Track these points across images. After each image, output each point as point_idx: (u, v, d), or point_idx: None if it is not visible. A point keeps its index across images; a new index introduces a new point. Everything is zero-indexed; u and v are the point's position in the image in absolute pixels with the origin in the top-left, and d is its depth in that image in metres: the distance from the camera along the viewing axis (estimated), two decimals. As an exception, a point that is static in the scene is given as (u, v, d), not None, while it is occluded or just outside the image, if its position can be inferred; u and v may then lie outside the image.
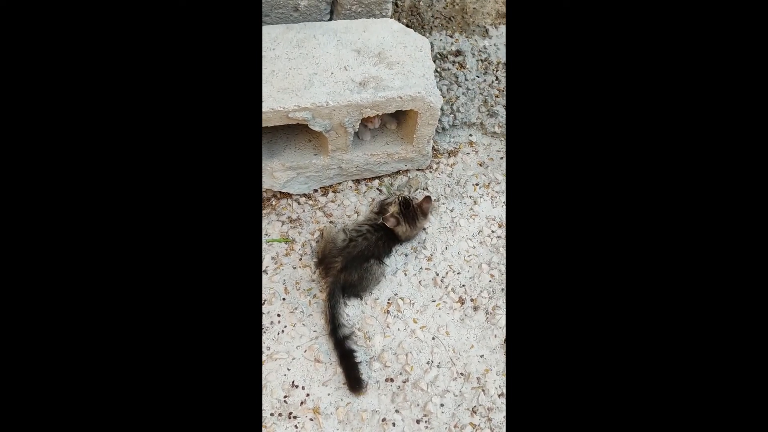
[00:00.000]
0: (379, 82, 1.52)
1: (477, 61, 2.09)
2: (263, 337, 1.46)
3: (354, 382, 1.38)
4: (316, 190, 1.76)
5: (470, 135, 1.95)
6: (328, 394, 1.39)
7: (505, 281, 1.60)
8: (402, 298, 1.56)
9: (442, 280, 1.60)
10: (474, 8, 2.21)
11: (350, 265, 1.50)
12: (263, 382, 1.39)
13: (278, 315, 1.50)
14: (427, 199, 1.62)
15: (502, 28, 2.19)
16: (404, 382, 1.42)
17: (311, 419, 1.35)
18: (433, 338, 1.49)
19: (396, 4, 2.14)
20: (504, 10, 2.23)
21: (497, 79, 2.06)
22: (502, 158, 1.89)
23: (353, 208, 1.74)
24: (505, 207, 1.76)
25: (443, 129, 1.94)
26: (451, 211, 1.75)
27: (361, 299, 1.55)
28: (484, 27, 2.19)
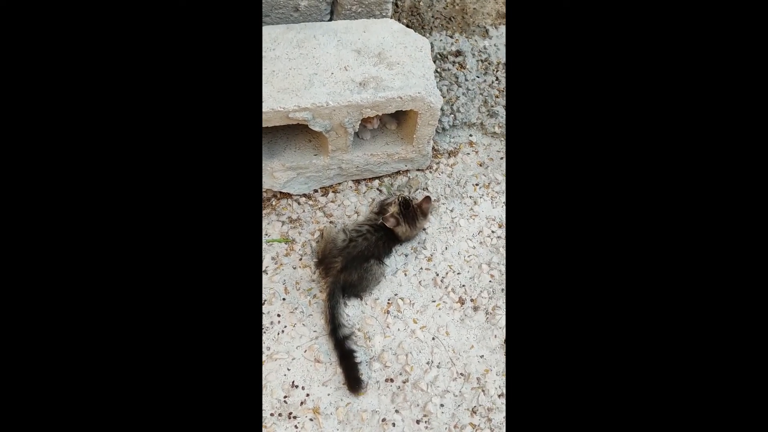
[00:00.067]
0: (380, 83, 1.52)
1: (477, 61, 2.09)
2: (263, 337, 1.46)
3: (353, 382, 1.38)
4: (316, 191, 1.76)
5: (470, 135, 1.95)
6: (328, 395, 1.39)
7: (505, 281, 1.60)
8: (402, 299, 1.56)
9: (442, 281, 1.60)
10: (474, 8, 2.21)
11: (350, 265, 1.50)
12: (263, 382, 1.39)
13: (278, 315, 1.50)
14: (427, 199, 1.62)
15: (502, 29, 2.19)
16: (404, 382, 1.42)
17: (311, 419, 1.35)
18: (433, 338, 1.49)
19: (396, 5, 2.14)
20: (504, 10, 2.23)
21: (497, 79, 2.06)
22: (502, 158, 1.89)
23: (353, 208, 1.74)
24: (505, 207, 1.76)
25: (443, 129, 1.94)
26: (451, 211, 1.75)
27: (361, 299, 1.55)
28: (485, 27, 2.19)
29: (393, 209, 1.57)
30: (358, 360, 1.41)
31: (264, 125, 1.47)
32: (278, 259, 1.61)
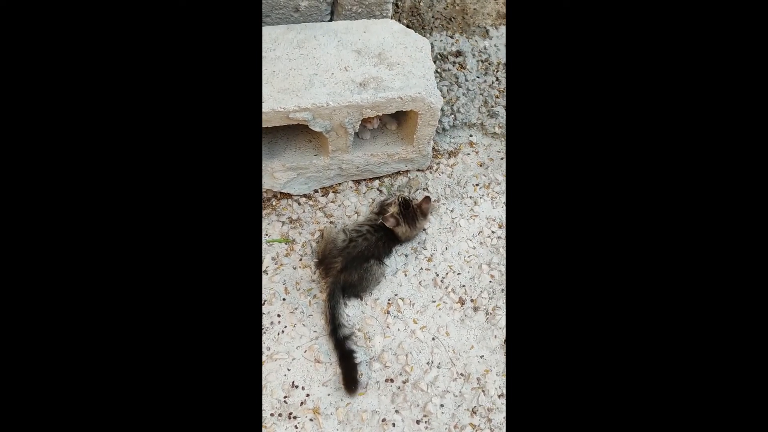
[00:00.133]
0: (380, 83, 1.52)
1: (477, 61, 2.09)
2: (263, 338, 1.46)
3: (350, 383, 1.38)
4: (316, 191, 1.76)
5: (470, 135, 1.95)
6: (328, 395, 1.39)
7: (505, 282, 1.60)
8: (402, 299, 1.56)
9: (442, 281, 1.60)
10: (474, 9, 2.21)
11: (350, 265, 1.50)
12: (263, 383, 1.39)
13: (278, 315, 1.51)
14: (427, 199, 1.62)
15: (503, 29, 2.19)
16: (404, 382, 1.42)
17: (311, 419, 1.35)
18: (433, 339, 1.49)
19: (396, 5, 2.15)
20: (504, 10, 2.23)
21: (497, 79, 2.06)
22: (502, 159, 1.89)
23: (353, 208, 1.74)
24: (505, 208, 1.76)
25: (443, 129, 1.94)
26: (452, 211, 1.75)
27: (361, 299, 1.55)
28: (485, 28, 2.19)
29: (393, 209, 1.57)
30: (357, 361, 1.41)
31: (264, 125, 1.48)
32: (278, 260, 1.61)
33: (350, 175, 1.76)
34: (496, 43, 2.16)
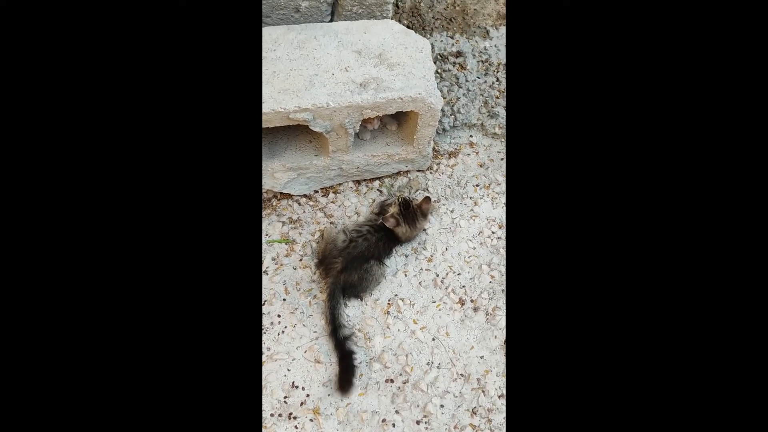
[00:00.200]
0: (380, 83, 1.52)
1: (478, 62, 2.09)
2: (263, 338, 1.46)
3: (345, 383, 1.37)
4: (316, 191, 1.76)
5: (471, 136, 1.95)
6: (328, 395, 1.39)
7: (505, 282, 1.60)
8: (402, 299, 1.56)
9: (442, 281, 1.60)
10: (475, 9, 2.21)
11: (350, 265, 1.50)
12: (263, 383, 1.39)
13: (278, 315, 1.51)
14: (427, 199, 1.62)
15: (503, 30, 2.19)
16: (404, 383, 1.42)
17: (311, 420, 1.35)
18: (433, 339, 1.49)
19: (397, 6, 2.15)
20: (505, 11, 2.23)
21: (498, 80, 2.06)
22: (502, 159, 1.89)
23: (354, 208, 1.74)
24: (505, 208, 1.76)
25: (444, 130, 1.94)
26: (452, 212, 1.75)
27: (362, 300, 1.55)
28: (485, 28, 2.19)
29: (393, 210, 1.57)
30: (356, 363, 1.41)
31: (265, 126, 1.48)
32: (279, 260, 1.61)
33: (350, 176, 1.76)
34: (496, 44, 2.16)
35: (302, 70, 1.54)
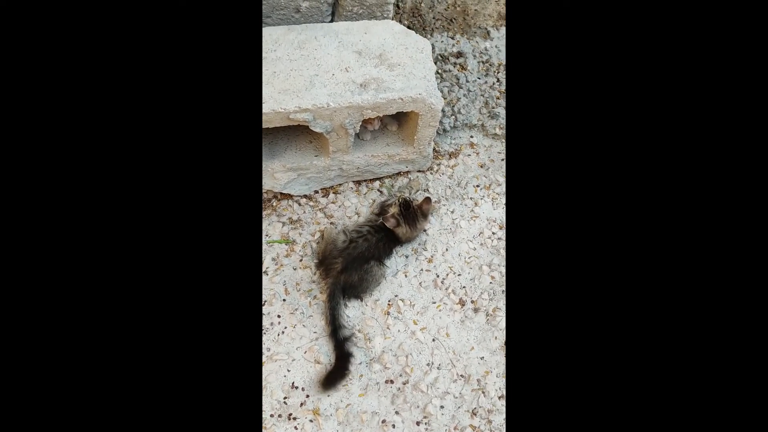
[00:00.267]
0: (380, 84, 1.52)
1: (478, 62, 2.09)
2: (263, 338, 1.46)
3: (328, 382, 1.37)
4: (316, 191, 1.76)
5: (471, 136, 1.95)
6: (328, 396, 1.39)
7: (505, 283, 1.60)
8: (402, 300, 1.56)
9: (442, 282, 1.60)
10: (475, 10, 2.21)
11: (350, 266, 1.50)
12: (263, 383, 1.39)
13: (278, 316, 1.50)
14: (427, 200, 1.62)
15: (504, 30, 2.19)
16: (404, 383, 1.42)
17: (311, 420, 1.35)
18: (434, 340, 1.49)
19: (397, 6, 2.15)
20: (505, 11, 2.23)
21: (498, 80, 2.06)
22: (503, 160, 1.89)
23: (354, 209, 1.74)
24: (505, 209, 1.76)
25: (444, 130, 1.94)
26: (452, 212, 1.75)
27: (362, 300, 1.55)
28: (486, 29, 2.19)
29: (393, 210, 1.57)
30: (350, 367, 1.40)
31: (265, 126, 1.48)
32: (279, 260, 1.61)
33: (351, 176, 1.76)
34: (497, 44, 2.16)
35: (302, 71, 1.54)
